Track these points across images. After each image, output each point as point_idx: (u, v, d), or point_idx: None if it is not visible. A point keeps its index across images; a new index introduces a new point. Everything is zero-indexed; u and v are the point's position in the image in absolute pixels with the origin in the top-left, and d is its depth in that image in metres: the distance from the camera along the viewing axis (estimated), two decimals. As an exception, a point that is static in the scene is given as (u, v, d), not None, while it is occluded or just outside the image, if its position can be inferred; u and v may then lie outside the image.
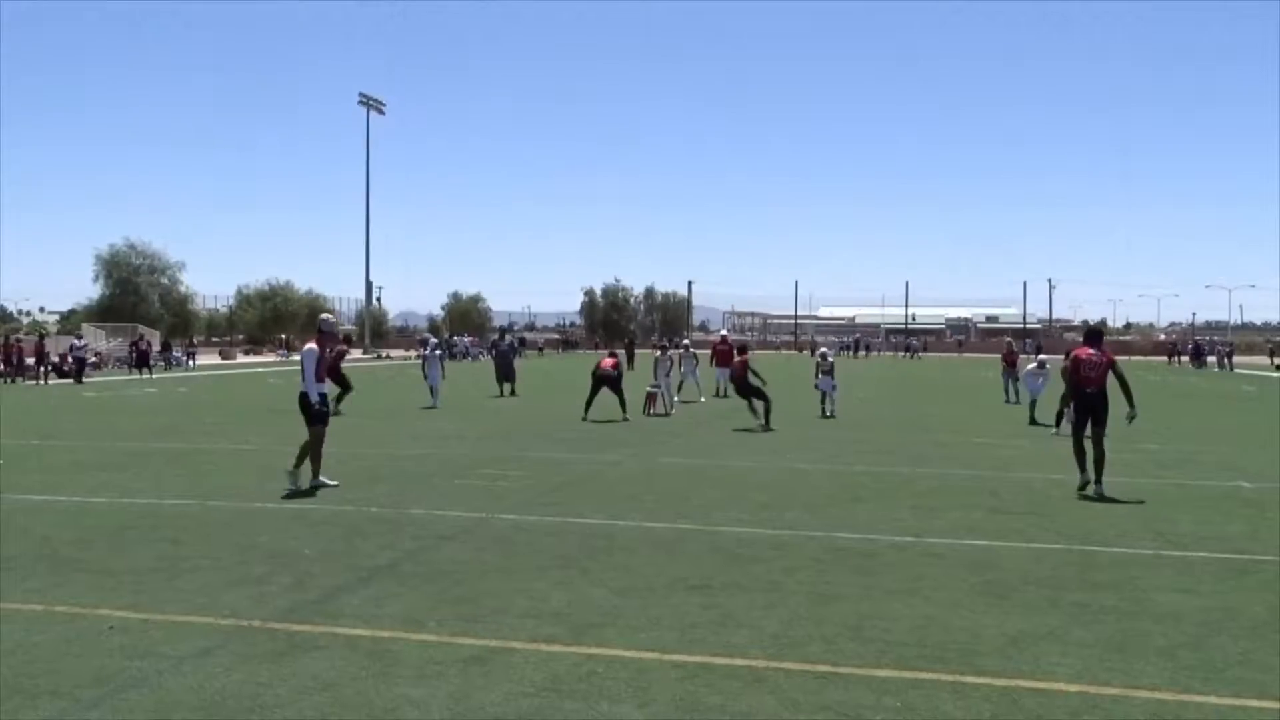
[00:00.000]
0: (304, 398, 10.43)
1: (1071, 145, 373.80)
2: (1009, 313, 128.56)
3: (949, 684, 4.82)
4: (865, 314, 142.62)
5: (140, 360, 38.50)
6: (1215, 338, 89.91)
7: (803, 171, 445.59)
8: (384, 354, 67.58)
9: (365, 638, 5.46)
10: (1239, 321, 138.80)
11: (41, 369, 33.99)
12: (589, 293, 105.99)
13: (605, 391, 19.33)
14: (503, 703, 4.55)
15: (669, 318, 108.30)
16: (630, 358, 41.15)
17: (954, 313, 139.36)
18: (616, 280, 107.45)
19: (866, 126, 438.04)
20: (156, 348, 45.33)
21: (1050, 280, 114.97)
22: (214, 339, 77.39)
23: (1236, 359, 62.59)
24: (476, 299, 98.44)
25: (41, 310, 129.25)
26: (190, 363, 47.84)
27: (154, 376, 37.51)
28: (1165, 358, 71.50)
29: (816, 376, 21.11)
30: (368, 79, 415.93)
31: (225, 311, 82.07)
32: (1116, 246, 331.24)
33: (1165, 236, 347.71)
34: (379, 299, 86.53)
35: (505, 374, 26.22)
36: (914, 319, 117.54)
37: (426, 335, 31.58)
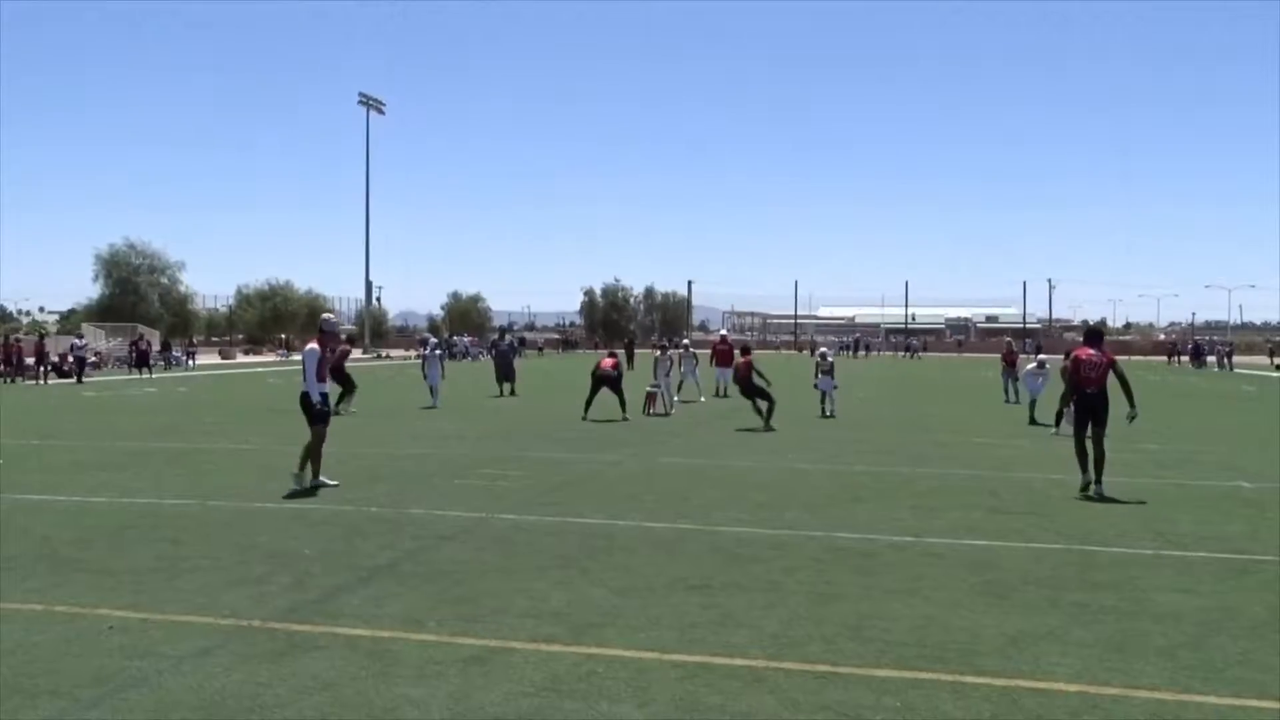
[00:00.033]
0: (305, 397, 10.43)
1: (1071, 145, 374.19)
2: (1009, 313, 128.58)
3: (949, 684, 4.83)
4: (865, 314, 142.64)
5: (140, 360, 38.51)
6: (1215, 338, 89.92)
7: (803, 171, 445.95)
8: (384, 354, 67.59)
9: (365, 637, 5.46)
10: (1239, 321, 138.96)
11: (41, 369, 33.99)
12: (589, 293, 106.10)
13: (605, 391, 19.34)
14: (503, 703, 4.55)
15: (669, 317, 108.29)
16: (630, 358, 41.16)
17: (954, 313, 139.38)
18: (616, 280, 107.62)
19: (866, 126, 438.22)
20: (156, 347, 45.34)
21: (1050, 280, 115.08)
22: (214, 339, 77.40)
23: (1236, 359, 62.61)
24: (476, 299, 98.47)
25: (41, 310, 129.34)
26: (190, 362, 47.85)
27: (154, 376, 37.51)
28: (1165, 358, 71.50)
29: (816, 376, 21.12)
30: (368, 79, 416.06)
31: (225, 311, 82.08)
32: (1116, 246, 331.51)
33: (1165, 236, 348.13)
34: (379, 299, 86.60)
35: (505, 374, 26.22)
36: (914, 319, 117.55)
37: (426, 335, 31.59)
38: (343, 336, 23.87)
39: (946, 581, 6.79)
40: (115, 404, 23.86)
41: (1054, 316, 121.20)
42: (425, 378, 23.30)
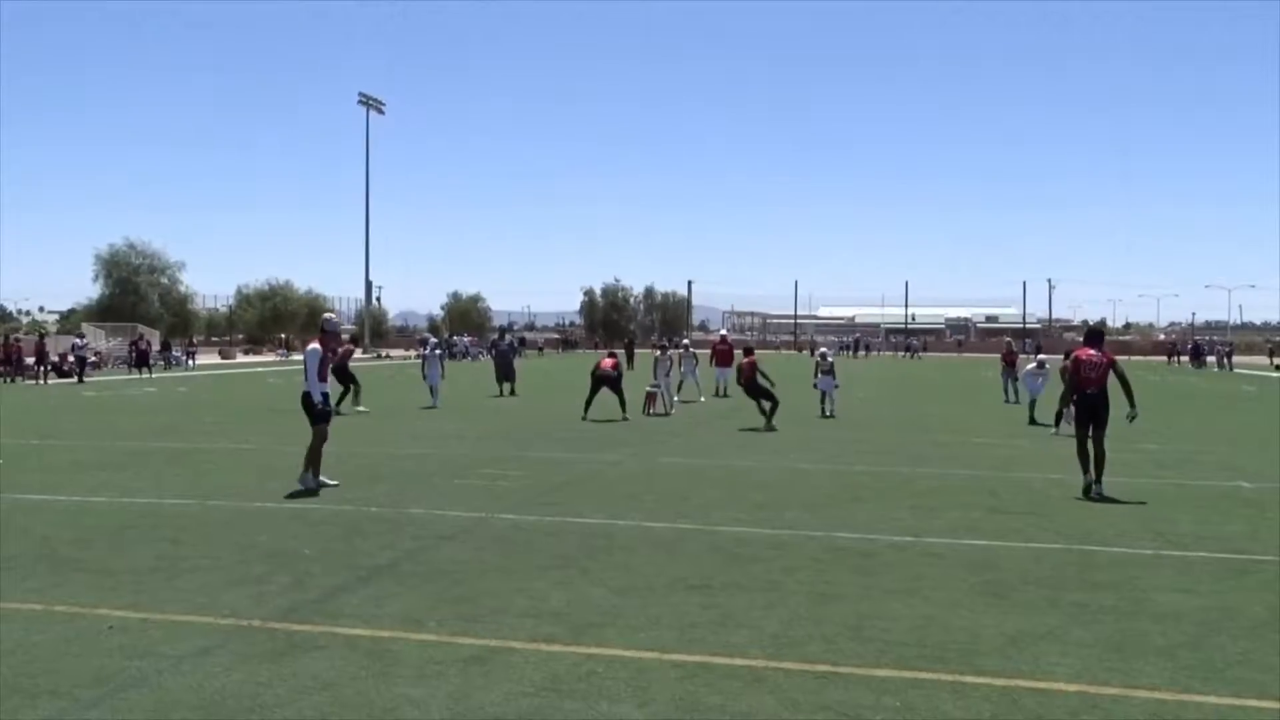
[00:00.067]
0: (307, 397, 10.43)
1: (1071, 145, 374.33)
2: (1008, 313, 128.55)
3: (948, 684, 4.83)
4: (865, 314, 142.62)
5: (140, 360, 38.50)
6: (1215, 338, 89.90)
7: (803, 171, 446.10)
8: (384, 354, 67.57)
9: (365, 637, 5.46)
10: (1238, 321, 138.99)
11: (41, 369, 33.99)
12: (589, 292, 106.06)
13: (605, 391, 19.34)
14: (502, 702, 4.55)
15: (669, 317, 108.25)
16: (630, 357, 41.17)
17: (954, 313, 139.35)
18: (616, 280, 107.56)
19: (866, 126, 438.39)
20: (156, 347, 45.32)
21: (1050, 280, 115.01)
22: (214, 339, 77.37)
23: (1236, 359, 62.59)
24: (476, 299, 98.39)
25: (41, 310, 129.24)
26: (190, 362, 47.83)
27: (153, 376, 37.51)
28: (1165, 358, 71.48)
29: (816, 376, 21.12)
30: (368, 79, 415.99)
31: (225, 311, 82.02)
32: (1116, 246, 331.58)
33: (1165, 236, 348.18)
34: (379, 299, 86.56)
35: (505, 374, 26.22)
36: (914, 319, 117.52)
37: (426, 335, 31.57)
38: (345, 337, 23.89)
39: (946, 581, 6.79)
40: (115, 404, 23.86)
41: (1054, 316, 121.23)
42: (425, 378, 23.30)
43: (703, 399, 24.70)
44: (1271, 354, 67.36)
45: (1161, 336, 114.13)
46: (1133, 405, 10.72)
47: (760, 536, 8.24)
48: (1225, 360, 57.82)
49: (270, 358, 60.42)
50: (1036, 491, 10.79)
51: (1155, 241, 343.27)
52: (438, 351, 24.29)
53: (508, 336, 33.66)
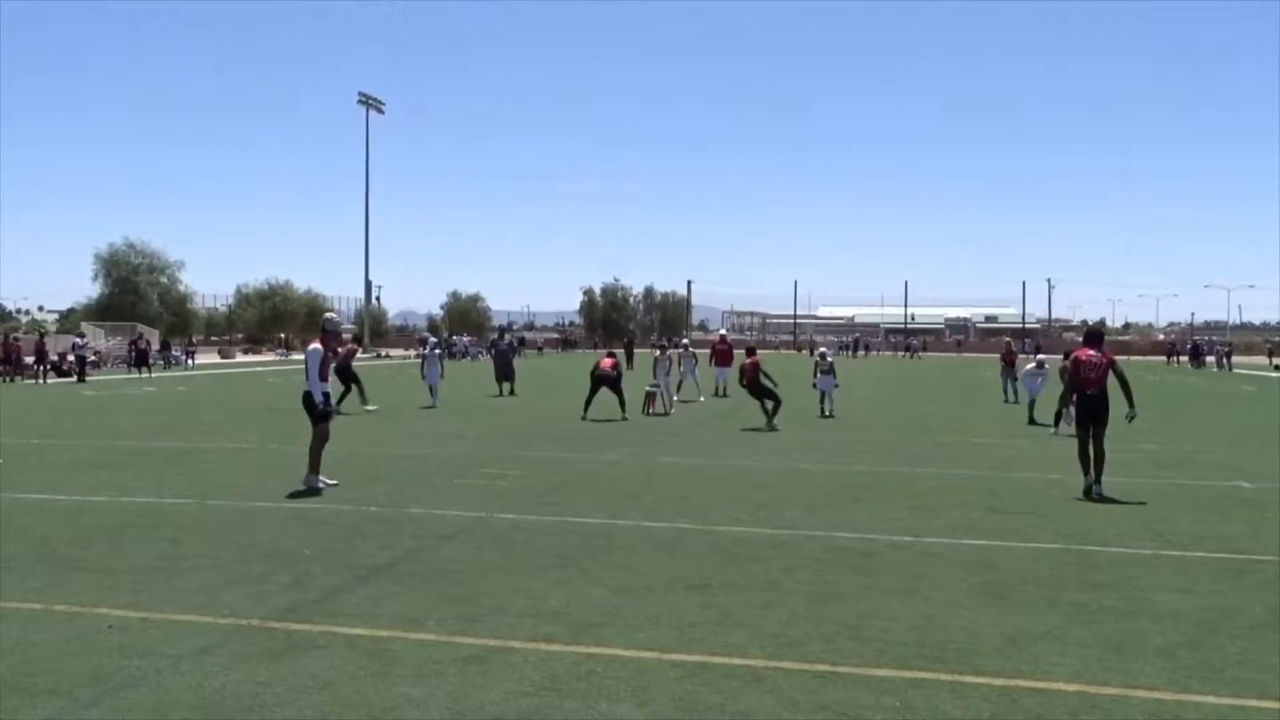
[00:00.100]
0: (308, 396, 10.42)
1: (1071, 145, 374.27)
2: (1008, 312, 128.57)
3: (948, 684, 4.83)
4: (864, 314, 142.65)
5: (139, 359, 38.49)
6: (1214, 338, 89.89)
7: (803, 171, 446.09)
8: (383, 353, 67.55)
9: (364, 637, 5.46)
10: (1238, 321, 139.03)
11: (40, 368, 33.98)
12: (588, 292, 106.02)
13: (604, 391, 19.34)
14: (502, 702, 4.55)
15: (668, 317, 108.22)
16: (629, 357, 41.15)
17: (953, 312, 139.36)
18: (616, 280, 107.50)
19: (866, 126, 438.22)
20: (156, 347, 45.31)
21: (1049, 280, 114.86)
22: (213, 338, 77.34)
23: (1235, 359, 62.59)
24: (476, 298, 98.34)
25: (40, 309, 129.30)
26: (189, 362, 47.83)
27: (153, 375, 37.50)
28: (1164, 358, 71.50)
29: (815, 376, 21.13)
30: (368, 79, 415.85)
31: (224, 311, 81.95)
32: (1116, 246, 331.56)
33: (1165, 236, 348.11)
34: (378, 298, 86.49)
35: (504, 373, 26.23)
36: (913, 319, 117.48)
37: (426, 334, 31.57)
38: (347, 337, 23.86)
39: (945, 581, 6.80)
40: (115, 403, 23.85)
41: (1053, 316, 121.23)
42: (424, 377, 23.30)
43: (702, 399, 24.70)
44: (1270, 354, 67.40)
45: (1161, 336, 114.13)
46: (1132, 405, 10.73)
47: (760, 536, 8.24)
48: (1224, 360, 57.84)
49: (270, 357, 60.40)
50: (1036, 491, 10.79)
51: (1155, 241, 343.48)
52: (437, 351, 24.30)
53: (507, 336, 33.67)
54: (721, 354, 27.30)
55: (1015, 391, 24.24)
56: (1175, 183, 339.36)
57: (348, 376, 20.93)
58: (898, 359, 74.76)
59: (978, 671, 5.00)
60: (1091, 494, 10.31)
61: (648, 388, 21.43)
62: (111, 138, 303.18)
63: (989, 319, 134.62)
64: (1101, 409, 10.53)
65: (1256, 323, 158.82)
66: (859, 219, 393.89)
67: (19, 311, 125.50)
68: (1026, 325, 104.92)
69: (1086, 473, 10.49)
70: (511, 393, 25.77)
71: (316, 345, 10.55)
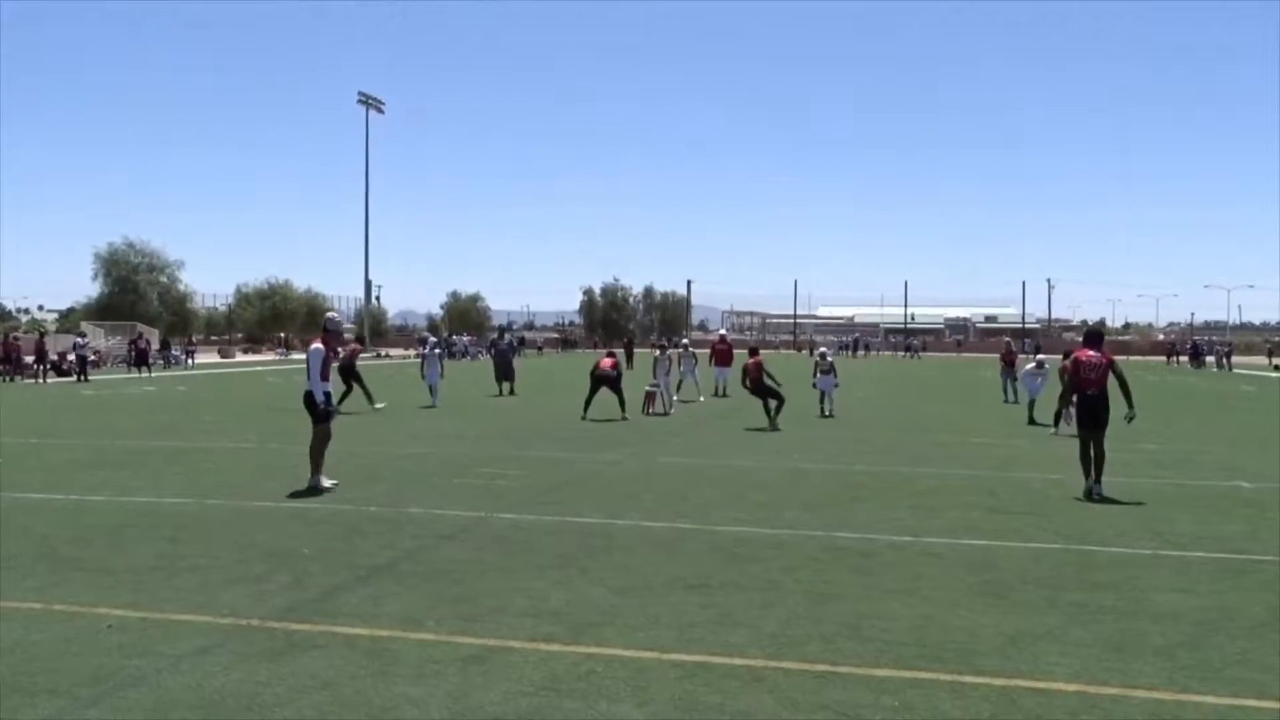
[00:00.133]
0: (309, 396, 10.41)
1: (1071, 145, 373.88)
2: (1008, 312, 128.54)
3: (947, 683, 4.83)
4: (864, 314, 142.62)
5: (139, 359, 38.49)
6: (1214, 338, 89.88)
7: (803, 171, 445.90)
8: (383, 353, 67.56)
9: (364, 637, 5.46)
10: (1238, 321, 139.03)
11: (40, 367, 33.98)
12: (588, 292, 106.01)
13: (604, 391, 19.35)
14: (501, 702, 4.55)
15: (668, 317, 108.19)
16: (629, 357, 41.16)
17: (953, 312, 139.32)
18: (615, 279, 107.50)
19: (866, 126, 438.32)
20: (155, 346, 45.31)
21: (1049, 280, 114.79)
22: (213, 337, 77.34)
23: (1235, 359, 62.60)
24: (475, 298, 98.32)
25: (40, 309, 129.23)
26: (189, 361, 47.84)
27: (153, 375, 37.50)
28: (1164, 358, 71.52)
29: (815, 376, 21.14)
30: (368, 79, 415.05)
31: (224, 310, 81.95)
32: (1116, 246, 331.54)
33: (1165, 236, 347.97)
34: (378, 298, 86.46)
35: (504, 373, 26.23)
36: (913, 319, 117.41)
37: (425, 334, 31.57)
38: (349, 337, 23.82)
39: (945, 581, 6.80)
40: (114, 403, 23.85)
41: (1053, 316, 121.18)
42: (424, 377, 23.31)
43: (702, 399, 24.71)
44: (1270, 354, 67.40)
45: (1160, 336, 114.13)
46: (1130, 406, 10.72)
47: (759, 536, 8.24)
48: (1224, 360, 57.85)
49: (269, 357, 60.41)
50: (1036, 491, 10.79)
51: (1155, 241, 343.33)
52: (437, 351, 24.31)
53: (507, 336, 33.68)
54: (721, 354, 27.30)
55: (1015, 391, 24.25)
56: (1175, 183, 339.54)
57: (351, 377, 20.93)
58: (897, 359, 74.77)
59: (977, 671, 5.00)
60: (1091, 495, 10.30)
61: (647, 387, 21.43)
62: (111, 138, 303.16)
63: (989, 319, 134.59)
64: (1102, 409, 10.53)
65: (1256, 323, 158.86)
66: (859, 219, 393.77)
67: (19, 311, 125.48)
68: (1026, 325, 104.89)
69: (1088, 476, 10.47)
70: (511, 392, 25.77)
71: (318, 345, 10.54)
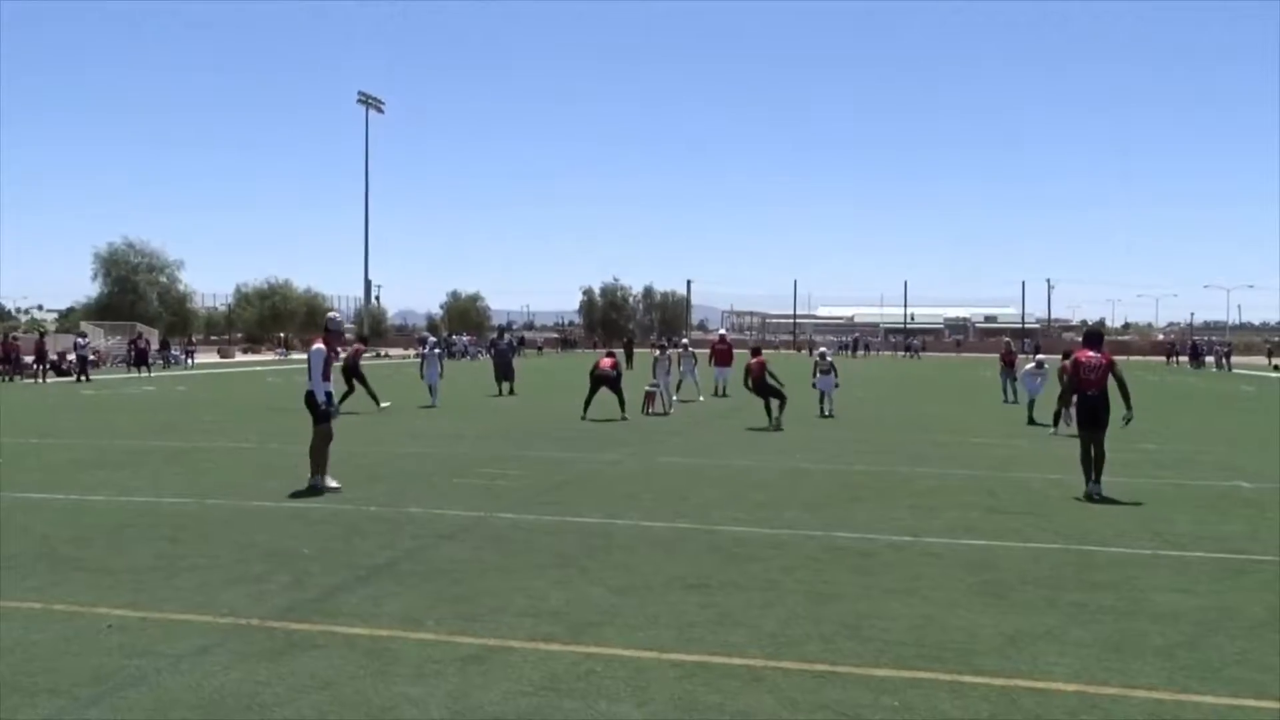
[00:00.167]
0: (311, 396, 10.40)
1: (1071, 145, 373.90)
2: (1007, 312, 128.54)
3: (947, 683, 4.83)
4: (864, 313, 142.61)
5: (139, 358, 38.50)
6: (1213, 338, 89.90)
7: (803, 171, 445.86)
8: (383, 353, 67.55)
9: (364, 636, 5.46)
10: (1237, 321, 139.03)
11: (40, 367, 33.97)
12: (588, 292, 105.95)
13: (604, 391, 19.35)
14: (501, 701, 4.56)
15: (668, 317, 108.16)
16: (629, 357, 41.15)
17: (952, 312, 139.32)
18: (615, 279, 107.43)
19: (866, 126, 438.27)
20: (155, 346, 45.30)
21: (1049, 280, 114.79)
22: (213, 337, 77.31)
23: (1235, 359, 62.61)
24: (475, 298, 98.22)
25: (40, 308, 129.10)
26: (189, 361, 47.84)
27: (152, 375, 37.50)
28: (1163, 358, 71.52)
29: (815, 376, 21.14)
30: (368, 79, 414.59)
31: (224, 310, 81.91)
32: (1115, 247, 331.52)
33: (1164, 236, 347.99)
34: (378, 297, 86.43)
35: (504, 373, 26.23)
36: (913, 319, 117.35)
37: (425, 334, 31.55)
38: (350, 337, 23.80)
39: (945, 581, 6.80)
40: (114, 402, 23.85)
41: (1053, 316, 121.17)
42: (424, 377, 23.32)
43: (701, 398, 24.71)
44: (1270, 354, 67.41)
45: (1160, 337, 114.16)
46: (1129, 408, 10.71)
47: (759, 536, 8.24)
48: (1224, 360, 57.85)
49: (269, 356, 60.41)
50: (1035, 491, 10.80)
51: (1154, 242, 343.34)
52: (437, 350, 24.31)
53: (507, 336, 33.64)
54: (721, 354, 27.32)
55: (1014, 391, 24.26)
56: (1175, 183, 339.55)
57: (355, 377, 20.93)
58: (897, 359, 74.78)
59: (977, 671, 5.00)
60: (1092, 497, 10.29)
61: (647, 387, 21.43)
62: (111, 138, 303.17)
63: (988, 319, 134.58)
64: (1102, 410, 10.53)
65: (1256, 323, 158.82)
66: (859, 219, 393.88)
67: (18, 311, 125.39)
68: (1026, 325, 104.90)
69: (1089, 478, 10.45)
70: (511, 392, 25.77)
71: (320, 345, 10.53)
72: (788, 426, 17.52)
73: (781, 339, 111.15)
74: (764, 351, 20.08)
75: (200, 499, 9.80)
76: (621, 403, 19.27)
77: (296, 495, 10.02)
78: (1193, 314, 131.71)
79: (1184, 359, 63.78)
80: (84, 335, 40.52)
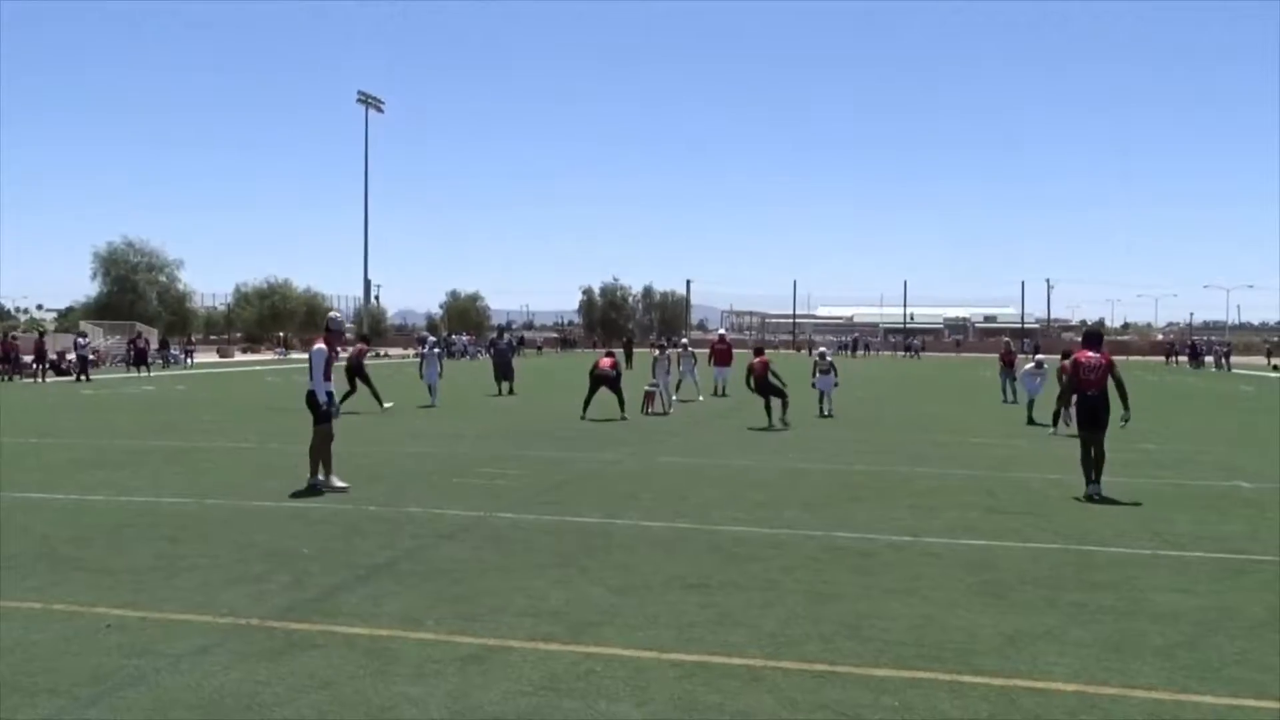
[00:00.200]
0: (312, 396, 10.40)
1: (1071, 145, 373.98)
2: (1007, 312, 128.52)
3: (946, 683, 4.83)
4: (863, 313, 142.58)
5: (138, 358, 38.48)
6: (1213, 338, 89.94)
7: (802, 171, 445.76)
8: (382, 352, 67.54)
9: (363, 636, 5.46)
10: (1237, 321, 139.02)
11: (39, 367, 33.95)
12: (587, 292, 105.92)
13: (604, 390, 19.35)
14: (501, 701, 4.56)
15: (667, 317, 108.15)
16: (628, 357, 41.16)
17: (952, 312, 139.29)
18: (615, 279, 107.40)
19: (866, 126, 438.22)
20: (155, 346, 45.29)
21: (1048, 280, 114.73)
22: (212, 337, 77.29)
23: (1234, 359, 62.63)
24: (475, 297, 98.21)
25: (39, 308, 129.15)
26: (188, 361, 47.82)
27: (152, 374, 37.49)
28: (1163, 358, 71.54)
29: (814, 376, 21.15)
30: (367, 78, 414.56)
31: (223, 309, 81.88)
32: (1115, 247, 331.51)
33: (1164, 237, 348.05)
34: (377, 297, 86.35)
35: (503, 373, 26.23)
36: (912, 319, 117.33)
37: (425, 334, 31.54)
38: (350, 336, 23.76)
39: (944, 581, 6.80)
40: (113, 402, 23.84)
41: (1052, 316, 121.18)
42: (423, 376, 23.31)
43: (701, 398, 24.71)
44: (1269, 354, 67.44)
45: (1160, 337, 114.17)
46: (1126, 409, 10.70)
47: (758, 536, 8.24)
48: (1223, 360, 57.88)
49: (268, 356, 60.39)
50: (1034, 491, 10.80)
51: (1154, 242, 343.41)
52: (436, 350, 24.31)
53: (506, 335, 33.64)
54: (720, 354, 27.32)
55: (1014, 391, 24.27)
56: (1175, 183, 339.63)
57: (359, 376, 20.94)
58: (897, 359, 74.79)
59: (976, 671, 5.00)
60: (1092, 499, 10.28)
61: (647, 387, 21.43)
62: (111, 138, 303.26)
63: (988, 319, 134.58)
64: (1102, 410, 10.53)
65: (1255, 323, 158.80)
66: (859, 219, 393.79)
67: (18, 310, 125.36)
68: (1025, 325, 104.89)
69: (1089, 480, 10.44)
70: (510, 392, 25.77)
71: (321, 345, 10.52)
72: (783, 427, 17.52)
73: (781, 339, 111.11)
74: (767, 351, 20.07)
75: (200, 499, 9.79)
76: (621, 402, 19.27)
77: (296, 495, 10.02)
78: (1192, 314, 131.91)
79: (1183, 359, 63.81)
80: (84, 335, 40.51)
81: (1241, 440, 16.88)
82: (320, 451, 10.39)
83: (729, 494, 10.38)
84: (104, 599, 6.14)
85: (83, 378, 33.08)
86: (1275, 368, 56.55)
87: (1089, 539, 8.28)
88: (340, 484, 10.34)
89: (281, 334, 70.81)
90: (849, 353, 77.29)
